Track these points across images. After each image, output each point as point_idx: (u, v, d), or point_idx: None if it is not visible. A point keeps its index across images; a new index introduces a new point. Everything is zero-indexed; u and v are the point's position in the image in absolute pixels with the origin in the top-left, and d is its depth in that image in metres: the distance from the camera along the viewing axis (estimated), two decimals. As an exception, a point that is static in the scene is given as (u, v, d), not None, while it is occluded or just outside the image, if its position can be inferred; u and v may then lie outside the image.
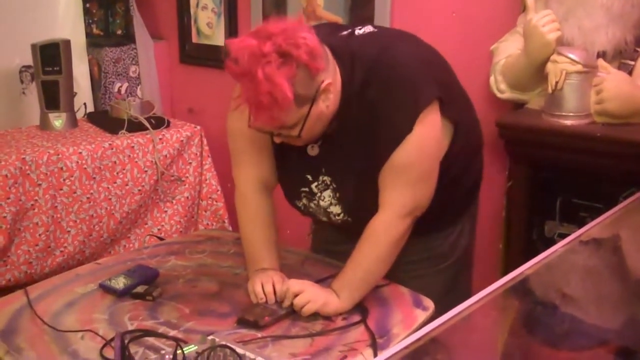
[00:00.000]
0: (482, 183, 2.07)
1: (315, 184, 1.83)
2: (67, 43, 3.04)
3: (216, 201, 3.17)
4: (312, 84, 1.60)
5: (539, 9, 2.18)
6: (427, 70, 1.74)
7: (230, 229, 3.09)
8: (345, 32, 1.78)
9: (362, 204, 1.78)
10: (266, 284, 1.76)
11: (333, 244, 2.06)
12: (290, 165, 1.85)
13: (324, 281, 1.85)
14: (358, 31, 1.78)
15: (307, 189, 1.85)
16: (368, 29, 1.80)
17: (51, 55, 3.00)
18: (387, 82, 1.69)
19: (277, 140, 1.71)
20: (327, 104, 1.65)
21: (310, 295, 1.71)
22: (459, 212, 2.00)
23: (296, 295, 1.71)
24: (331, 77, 1.65)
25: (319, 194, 1.84)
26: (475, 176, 2.02)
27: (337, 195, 1.82)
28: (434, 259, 1.98)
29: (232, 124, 1.86)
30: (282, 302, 1.73)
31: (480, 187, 2.07)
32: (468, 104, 1.96)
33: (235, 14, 3.41)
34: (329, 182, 1.81)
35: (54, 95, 3.04)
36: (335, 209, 1.85)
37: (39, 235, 2.72)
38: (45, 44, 2.99)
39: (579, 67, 2.10)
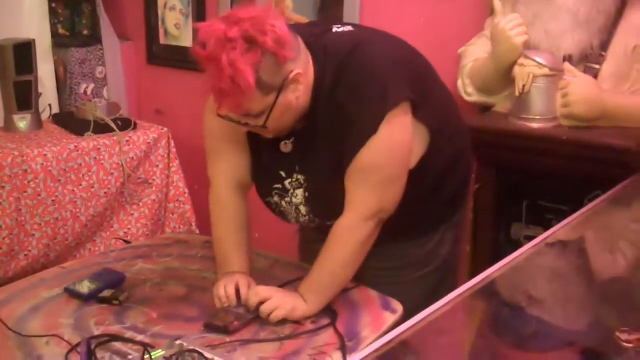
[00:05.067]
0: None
1: (289, 180, 1.80)
2: (34, 43, 2.99)
3: (183, 204, 3.15)
4: (279, 73, 1.57)
5: (507, 13, 2.20)
6: (400, 70, 1.69)
7: (197, 232, 3.07)
8: (321, 29, 1.75)
9: (329, 206, 1.76)
10: (228, 286, 1.75)
11: (314, 243, 1.99)
12: (265, 162, 1.83)
13: (291, 284, 1.84)
14: (336, 29, 1.76)
15: (280, 186, 1.82)
16: (347, 28, 1.77)
17: (23, 56, 2.93)
18: (355, 82, 1.65)
19: (244, 130, 1.69)
20: (297, 95, 1.63)
21: (277, 301, 1.70)
22: (437, 220, 1.93)
23: (262, 302, 1.70)
24: (302, 68, 1.61)
25: (291, 191, 1.81)
26: (457, 186, 1.94)
27: (306, 194, 1.80)
28: (409, 266, 1.93)
29: (208, 122, 1.83)
30: (249, 307, 1.72)
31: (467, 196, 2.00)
32: (451, 109, 1.91)
33: (204, 16, 3.40)
34: (302, 181, 1.79)
35: (25, 97, 2.97)
36: (304, 209, 1.83)
37: (3, 238, 2.68)
38: (18, 44, 2.93)
39: (545, 71, 2.12)
